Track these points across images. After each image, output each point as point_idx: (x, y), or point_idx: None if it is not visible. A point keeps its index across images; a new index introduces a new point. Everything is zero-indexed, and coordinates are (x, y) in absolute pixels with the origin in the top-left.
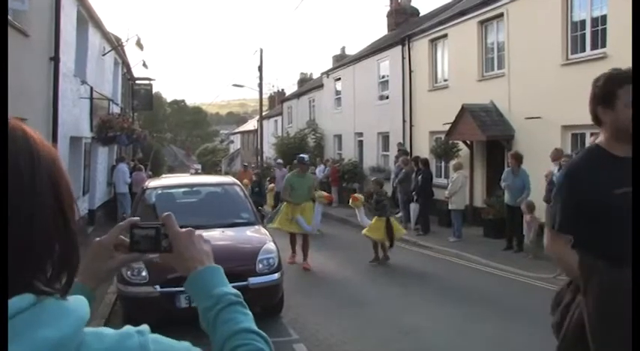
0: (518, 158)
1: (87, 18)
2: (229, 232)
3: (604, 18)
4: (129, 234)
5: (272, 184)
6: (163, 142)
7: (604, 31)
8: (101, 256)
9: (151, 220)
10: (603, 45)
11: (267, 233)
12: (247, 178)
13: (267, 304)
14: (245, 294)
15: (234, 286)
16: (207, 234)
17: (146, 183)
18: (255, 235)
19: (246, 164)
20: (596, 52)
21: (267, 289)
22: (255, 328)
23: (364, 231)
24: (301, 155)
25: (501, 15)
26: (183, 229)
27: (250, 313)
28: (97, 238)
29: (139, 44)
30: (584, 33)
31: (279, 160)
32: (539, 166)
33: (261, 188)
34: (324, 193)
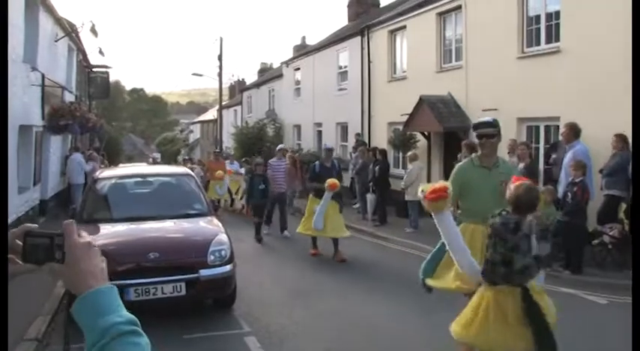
0: (470, 147)
1: (37, 2)
2: (182, 224)
3: (557, 13)
4: (22, 242)
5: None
6: (122, 131)
7: (557, 25)
8: None
9: (103, 212)
10: (557, 39)
11: (220, 225)
12: (221, 169)
13: (218, 297)
14: (196, 286)
15: (185, 278)
16: (159, 225)
17: (97, 173)
18: (207, 226)
19: (217, 151)
20: (550, 46)
21: (218, 281)
22: None
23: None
24: (485, 119)
25: (459, 7)
26: (82, 240)
27: (143, 341)
28: None
29: (93, 31)
30: (539, 27)
31: (281, 146)
32: None
33: (267, 185)
34: (332, 181)
